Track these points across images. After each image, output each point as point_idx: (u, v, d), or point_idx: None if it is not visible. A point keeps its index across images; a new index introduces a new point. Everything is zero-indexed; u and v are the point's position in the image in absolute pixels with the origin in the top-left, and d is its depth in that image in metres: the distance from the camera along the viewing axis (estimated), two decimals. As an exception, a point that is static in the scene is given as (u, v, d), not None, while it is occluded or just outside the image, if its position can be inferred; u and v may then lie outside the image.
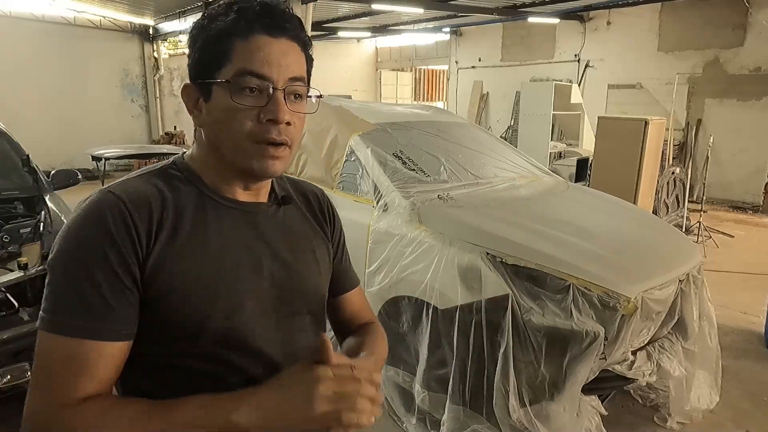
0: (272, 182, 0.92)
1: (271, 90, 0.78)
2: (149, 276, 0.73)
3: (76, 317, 0.70)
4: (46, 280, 0.72)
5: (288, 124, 0.79)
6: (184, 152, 0.89)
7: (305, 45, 0.83)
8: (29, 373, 2.35)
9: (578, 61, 10.37)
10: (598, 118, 5.91)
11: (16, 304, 2.40)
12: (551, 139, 8.35)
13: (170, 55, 12.11)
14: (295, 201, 0.95)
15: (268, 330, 0.83)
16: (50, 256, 0.72)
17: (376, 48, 15.61)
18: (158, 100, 11.93)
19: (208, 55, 0.79)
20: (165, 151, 8.54)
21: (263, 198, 0.90)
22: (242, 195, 0.86)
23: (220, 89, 0.78)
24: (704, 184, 6.20)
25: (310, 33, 7.68)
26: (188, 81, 0.83)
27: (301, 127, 0.84)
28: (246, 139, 0.78)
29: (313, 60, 0.87)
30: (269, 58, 0.77)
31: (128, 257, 0.72)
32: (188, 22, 9.94)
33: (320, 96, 0.87)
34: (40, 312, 0.71)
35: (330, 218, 1.01)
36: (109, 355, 0.72)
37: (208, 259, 0.78)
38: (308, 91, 0.84)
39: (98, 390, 0.71)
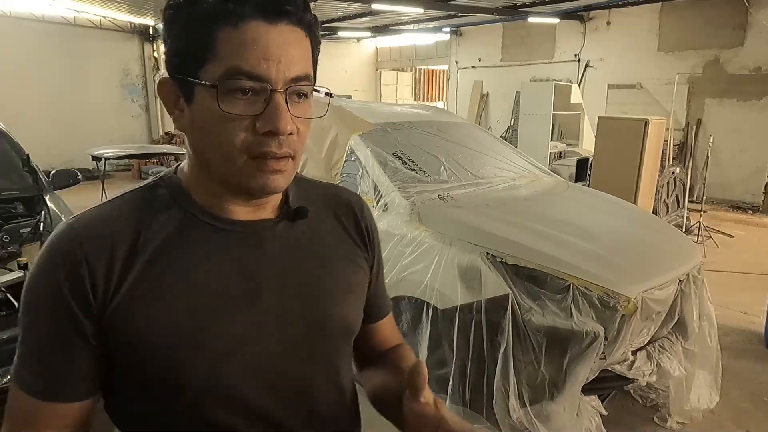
0: (285, 191, 0.74)
1: (269, 92, 0.62)
2: (110, 327, 0.62)
3: (34, 375, 0.64)
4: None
5: (291, 133, 0.64)
6: (178, 164, 0.73)
7: (310, 28, 0.66)
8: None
9: (578, 61, 10.37)
10: (598, 118, 5.91)
11: (16, 304, 2.40)
12: (551, 139, 8.35)
13: (170, 55, 12.10)
14: (318, 213, 0.77)
15: (273, 380, 0.69)
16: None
17: (376, 48, 15.61)
18: (158, 100, 11.89)
19: (189, 46, 0.63)
20: (165, 151, 8.54)
21: (270, 213, 0.73)
22: (241, 213, 0.70)
23: (204, 91, 0.62)
24: (704, 184, 6.20)
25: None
26: (165, 74, 0.67)
27: (307, 133, 0.68)
28: (239, 154, 0.63)
29: (319, 44, 0.69)
30: (267, 53, 0.61)
31: (79, 313, 0.61)
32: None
33: (330, 95, 0.71)
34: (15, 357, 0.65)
35: (368, 232, 0.82)
36: (67, 416, 0.64)
37: (187, 298, 0.64)
38: (308, 88, 0.67)
39: None
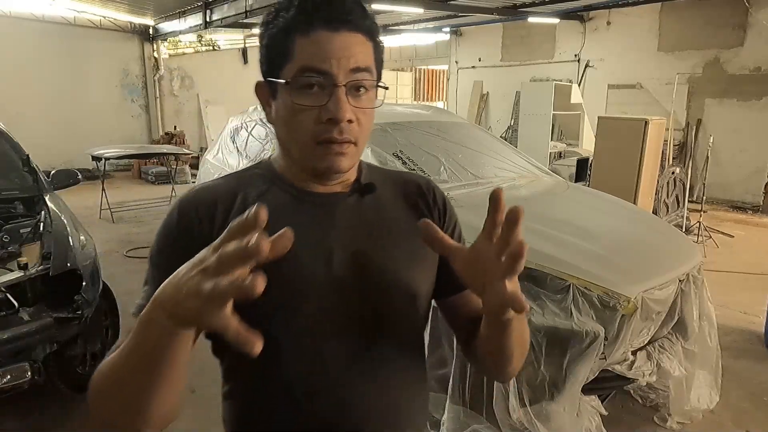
0: (358, 172, 0.88)
1: (331, 87, 0.75)
2: None
3: (140, 300, 0.76)
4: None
5: (350, 121, 0.76)
6: (272, 154, 0.90)
7: (370, 33, 0.79)
8: (29, 373, 2.36)
9: (578, 61, 10.37)
10: (598, 118, 5.91)
11: (16, 304, 2.40)
12: (551, 139, 8.35)
13: (170, 55, 12.09)
14: (387, 191, 0.89)
15: (341, 327, 0.79)
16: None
17: (376, 48, 15.59)
18: (158, 100, 11.93)
19: (272, 53, 0.78)
20: (165, 151, 8.56)
21: (344, 189, 0.86)
22: (318, 188, 0.84)
23: (283, 88, 0.77)
24: (704, 184, 6.20)
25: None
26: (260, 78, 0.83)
27: (369, 123, 0.80)
28: (309, 140, 0.77)
29: (382, 48, 0.82)
30: (329, 53, 0.74)
31: (187, 253, 0.69)
32: (188, 22, 9.95)
33: (386, 87, 0.83)
34: None
35: (437, 209, 0.91)
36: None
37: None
38: (377, 82, 0.80)
39: None
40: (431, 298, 0.91)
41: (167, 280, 0.58)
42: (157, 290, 0.59)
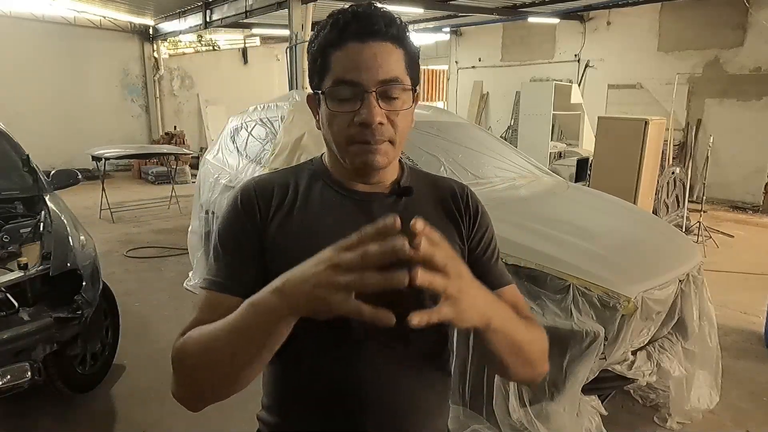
0: (399, 174, 0.95)
1: (363, 94, 0.81)
2: (267, 247, 0.86)
3: (212, 275, 0.86)
4: (213, 244, 0.90)
5: (381, 124, 0.82)
6: (323, 153, 0.98)
7: (398, 39, 0.84)
8: (29, 373, 2.36)
9: (578, 61, 10.37)
10: (598, 118, 5.91)
11: (16, 304, 2.40)
12: (551, 139, 8.35)
13: (170, 55, 12.10)
14: (422, 194, 0.95)
15: (362, 326, 0.82)
16: (217, 222, 0.92)
17: (376, 48, 15.59)
18: (158, 100, 11.93)
19: (315, 68, 0.86)
20: (165, 151, 8.56)
21: (384, 189, 0.92)
22: (362, 187, 0.91)
23: (323, 98, 0.85)
24: (704, 184, 6.20)
25: (310, 33, 7.54)
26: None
27: (404, 122, 0.86)
28: (345, 142, 0.84)
29: (414, 51, 0.88)
30: (359, 64, 0.81)
31: (250, 229, 0.87)
32: (188, 22, 9.95)
33: (416, 91, 0.89)
34: None
35: (468, 213, 0.97)
36: (229, 306, 0.78)
37: (315, 240, 0.80)
38: (414, 86, 0.86)
39: None
40: None
41: (289, 272, 0.68)
42: (277, 281, 0.69)
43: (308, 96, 0.92)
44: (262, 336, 0.70)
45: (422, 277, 0.62)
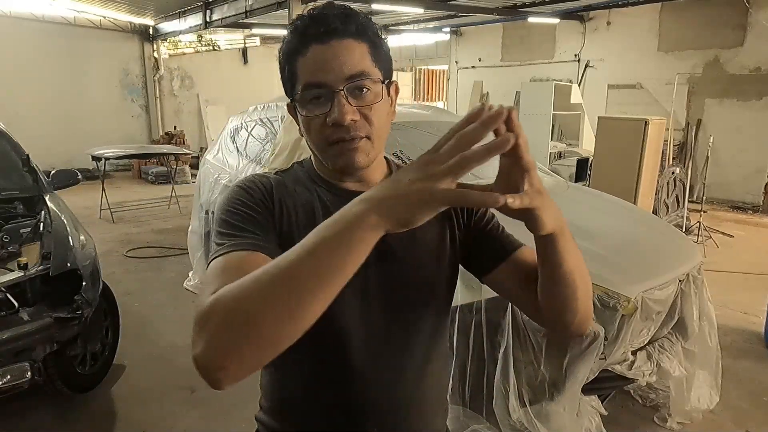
0: (388, 171, 0.95)
1: (331, 94, 0.81)
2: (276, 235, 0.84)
3: (228, 244, 0.77)
4: (216, 230, 0.83)
5: (354, 121, 0.81)
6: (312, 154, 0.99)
7: (360, 34, 0.83)
8: (29, 373, 2.36)
9: (578, 61, 10.37)
10: (598, 118, 5.91)
11: (16, 304, 2.40)
12: (551, 139, 8.35)
13: (170, 55, 12.10)
14: None
15: (365, 314, 0.86)
16: (216, 214, 0.86)
17: (376, 48, 15.58)
18: (158, 100, 11.93)
19: (285, 77, 0.87)
20: (165, 151, 8.56)
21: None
22: (352, 186, 0.91)
23: (296, 105, 0.86)
24: (704, 184, 6.20)
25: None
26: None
27: (379, 116, 0.84)
28: (323, 144, 0.84)
29: (380, 44, 0.85)
30: (322, 66, 0.80)
31: (266, 207, 0.85)
32: (188, 22, 9.95)
33: (384, 82, 0.85)
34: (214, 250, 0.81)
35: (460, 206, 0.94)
36: (258, 263, 0.68)
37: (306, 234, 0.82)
38: (384, 78, 0.84)
39: None
40: (452, 292, 0.97)
41: (383, 187, 0.61)
42: (368, 194, 0.61)
43: (288, 106, 0.92)
44: (343, 253, 0.60)
45: (524, 146, 0.61)
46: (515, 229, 0.87)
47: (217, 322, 0.62)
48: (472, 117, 0.58)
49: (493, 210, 0.67)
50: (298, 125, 0.91)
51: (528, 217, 0.67)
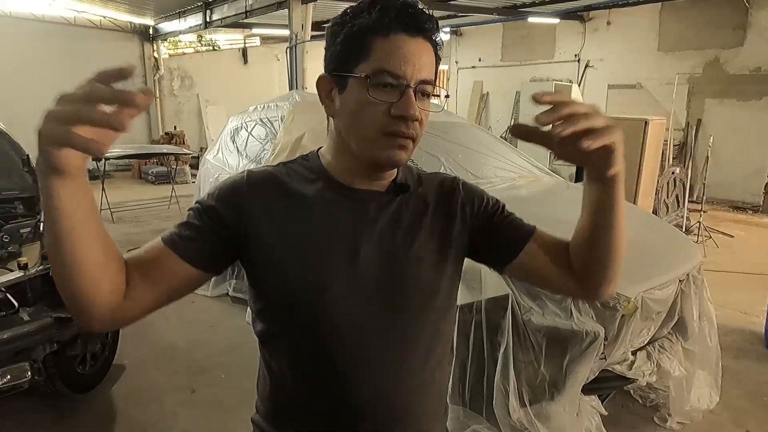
0: (396, 174, 0.93)
1: (404, 87, 0.80)
2: (247, 240, 0.84)
3: (174, 233, 0.83)
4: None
5: (415, 120, 0.82)
6: (319, 147, 0.95)
7: (438, 47, 0.85)
8: (29, 373, 2.36)
9: (578, 61, 10.37)
10: (598, 118, 5.90)
11: (16, 304, 2.40)
12: (551, 139, 8.35)
13: (170, 55, 12.11)
14: (418, 191, 0.94)
15: (361, 315, 0.84)
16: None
17: (376, 48, 15.58)
18: (158, 100, 11.93)
19: (349, 50, 0.82)
20: (165, 151, 8.56)
21: (381, 187, 0.90)
22: (360, 184, 0.89)
23: (356, 83, 0.81)
24: (704, 184, 6.20)
25: (310, 33, 7.50)
26: (323, 72, 0.87)
27: (426, 124, 0.86)
28: (376, 131, 0.81)
29: (441, 59, 0.88)
30: (405, 58, 0.79)
31: (229, 218, 0.84)
32: (188, 22, 9.95)
33: (447, 96, 0.89)
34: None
35: (464, 202, 0.96)
36: (173, 269, 0.81)
37: (306, 236, 0.84)
38: (435, 91, 0.86)
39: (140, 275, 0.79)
40: (455, 294, 0.97)
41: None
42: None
43: (321, 79, 0.87)
44: (51, 200, 0.64)
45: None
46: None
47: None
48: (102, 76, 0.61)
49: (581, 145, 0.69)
50: (327, 101, 0.87)
51: (606, 152, 0.70)
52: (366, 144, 0.83)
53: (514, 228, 0.96)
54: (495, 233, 0.96)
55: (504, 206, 0.99)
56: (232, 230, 0.83)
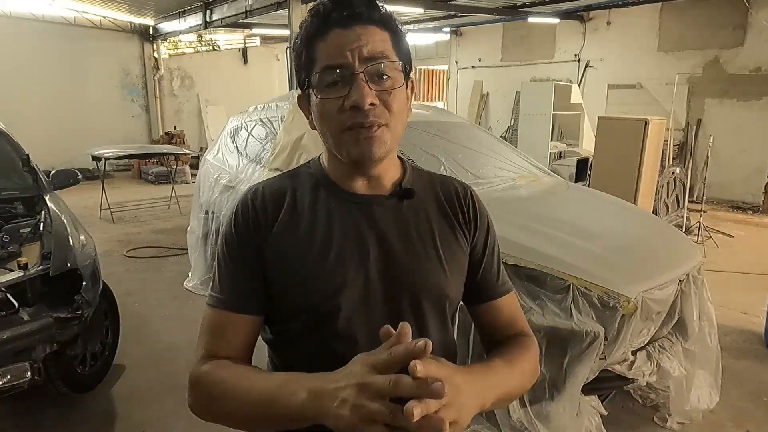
0: (402, 175, 0.93)
1: (351, 76, 0.78)
2: (267, 257, 0.85)
3: (217, 292, 0.87)
4: (216, 263, 0.91)
5: (373, 105, 0.78)
6: (321, 154, 0.95)
7: (383, 23, 0.82)
8: (29, 373, 2.36)
9: (578, 61, 10.37)
10: (598, 118, 5.91)
11: (16, 304, 2.40)
12: (551, 139, 8.35)
13: (170, 55, 12.10)
14: (424, 196, 0.93)
15: (371, 320, 0.84)
16: (219, 241, 0.91)
17: (376, 48, 15.56)
18: (158, 100, 11.93)
19: (301, 63, 0.84)
20: (165, 151, 8.55)
21: (384, 192, 0.90)
22: (361, 188, 0.89)
23: (312, 91, 0.83)
24: (704, 184, 6.19)
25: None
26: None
27: (399, 105, 0.82)
28: (339, 130, 0.81)
29: (401, 34, 0.85)
30: (342, 47, 0.78)
31: (249, 243, 0.86)
32: (188, 22, 9.95)
33: (405, 68, 0.84)
34: None
35: (471, 217, 0.95)
36: (237, 325, 0.85)
37: (315, 245, 0.85)
38: (393, 66, 0.81)
39: (231, 354, 0.84)
40: (459, 301, 0.97)
41: (323, 378, 0.68)
42: (315, 383, 0.68)
43: (299, 97, 0.89)
44: (282, 421, 0.72)
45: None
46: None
47: (198, 398, 0.82)
48: (411, 353, 0.62)
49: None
50: (308, 117, 0.88)
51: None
52: (336, 145, 0.83)
53: (493, 281, 0.98)
54: (477, 270, 0.97)
55: (497, 247, 1.00)
56: (261, 251, 0.86)
